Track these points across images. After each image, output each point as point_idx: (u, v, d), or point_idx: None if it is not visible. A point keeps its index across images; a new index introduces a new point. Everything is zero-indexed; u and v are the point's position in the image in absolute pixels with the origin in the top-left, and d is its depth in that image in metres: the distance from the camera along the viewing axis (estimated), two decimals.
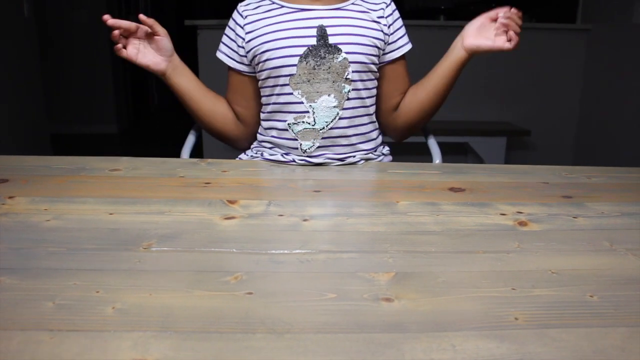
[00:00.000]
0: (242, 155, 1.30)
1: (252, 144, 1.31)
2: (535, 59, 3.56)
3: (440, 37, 3.65)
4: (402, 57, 1.26)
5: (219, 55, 1.25)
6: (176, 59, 1.21)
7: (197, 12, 7.80)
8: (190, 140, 1.39)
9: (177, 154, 1.31)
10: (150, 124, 6.36)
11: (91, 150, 4.62)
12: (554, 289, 0.59)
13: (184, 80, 1.22)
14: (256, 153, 1.26)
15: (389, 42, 1.21)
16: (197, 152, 1.37)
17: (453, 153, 3.64)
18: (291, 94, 1.14)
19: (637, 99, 3.05)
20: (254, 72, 1.22)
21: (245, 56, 1.20)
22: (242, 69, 1.23)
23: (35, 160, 1.09)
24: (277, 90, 1.16)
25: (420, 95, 1.25)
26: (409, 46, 1.26)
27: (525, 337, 0.49)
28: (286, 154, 1.18)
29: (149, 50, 1.18)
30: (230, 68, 1.25)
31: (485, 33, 1.16)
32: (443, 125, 3.36)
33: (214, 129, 1.29)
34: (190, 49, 3.60)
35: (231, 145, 1.34)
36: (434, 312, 0.54)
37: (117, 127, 5.43)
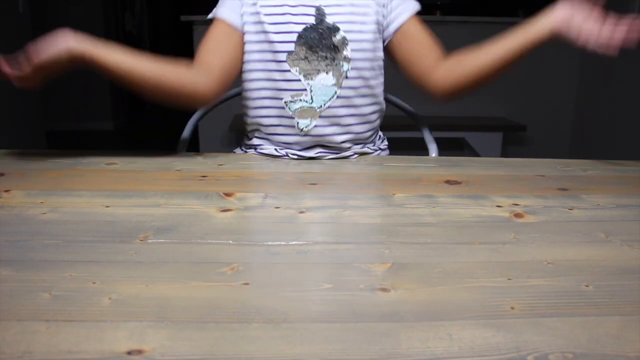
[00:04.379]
0: (237, 150, 1.30)
1: (213, 101, 1.21)
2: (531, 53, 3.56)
3: (437, 33, 3.66)
4: (412, 19, 1.20)
5: (219, 12, 1.18)
6: (83, 37, 1.00)
7: (193, 8, 7.79)
8: (186, 135, 1.39)
9: (173, 151, 1.31)
10: (147, 120, 6.35)
11: (87, 147, 4.62)
12: (550, 279, 0.59)
13: (113, 53, 1.02)
14: (249, 149, 1.26)
15: (390, 12, 1.18)
16: (193, 148, 1.37)
17: (449, 148, 3.65)
18: (289, 71, 1.14)
19: (632, 93, 3.06)
20: (244, 40, 1.17)
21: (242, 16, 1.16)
22: (237, 26, 1.16)
23: (31, 154, 1.09)
24: (274, 66, 1.15)
25: (481, 59, 1.12)
26: (414, 8, 1.21)
27: (521, 326, 0.50)
28: (280, 148, 1.18)
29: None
30: (222, 21, 1.18)
31: (577, 20, 1.00)
32: (439, 121, 3.36)
33: (167, 88, 1.10)
34: (186, 45, 3.59)
35: (190, 102, 1.17)
36: (430, 302, 0.54)
37: (113, 123, 5.42)
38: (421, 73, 1.21)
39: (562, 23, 1.01)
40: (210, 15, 1.21)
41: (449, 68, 1.18)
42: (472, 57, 1.14)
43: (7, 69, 0.95)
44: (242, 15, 1.16)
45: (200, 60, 1.15)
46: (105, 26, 5.13)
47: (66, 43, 0.96)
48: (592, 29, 0.97)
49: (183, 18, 3.33)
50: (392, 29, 1.19)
